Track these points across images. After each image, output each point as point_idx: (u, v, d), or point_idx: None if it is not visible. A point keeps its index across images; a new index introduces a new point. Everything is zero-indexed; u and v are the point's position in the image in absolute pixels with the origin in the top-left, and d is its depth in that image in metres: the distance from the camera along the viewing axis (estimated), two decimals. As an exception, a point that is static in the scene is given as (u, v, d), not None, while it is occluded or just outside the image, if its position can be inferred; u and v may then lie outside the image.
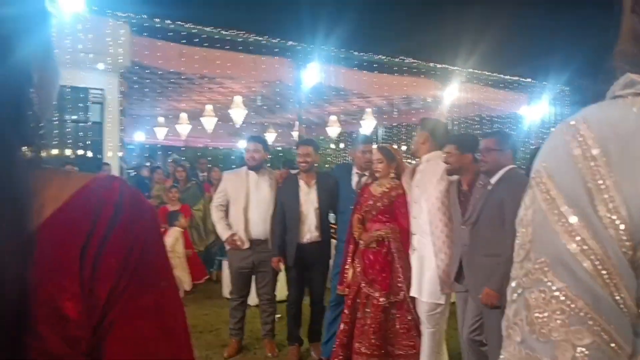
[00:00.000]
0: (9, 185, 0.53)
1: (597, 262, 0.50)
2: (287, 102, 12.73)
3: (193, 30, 9.02)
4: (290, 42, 9.93)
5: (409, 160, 4.08)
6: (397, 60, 11.00)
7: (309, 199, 4.26)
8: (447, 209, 3.41)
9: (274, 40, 9.80)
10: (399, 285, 3.69)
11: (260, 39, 9.69)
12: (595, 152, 0.52)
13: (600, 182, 0.51)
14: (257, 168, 4.41)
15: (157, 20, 8.73)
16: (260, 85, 10.99)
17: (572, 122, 0.55)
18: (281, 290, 4.65)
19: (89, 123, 8.80)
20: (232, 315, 4.45)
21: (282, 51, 9.86)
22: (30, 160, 0.58)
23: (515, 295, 0.56)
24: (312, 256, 4.26)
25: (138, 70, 9.68)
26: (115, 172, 7.44)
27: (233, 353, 4.34)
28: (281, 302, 4.75)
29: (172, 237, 6.01)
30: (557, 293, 0.51)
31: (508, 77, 12.34)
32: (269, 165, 4.79)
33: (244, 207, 4.32)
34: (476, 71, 11.81)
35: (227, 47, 9.31)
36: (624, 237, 0.50)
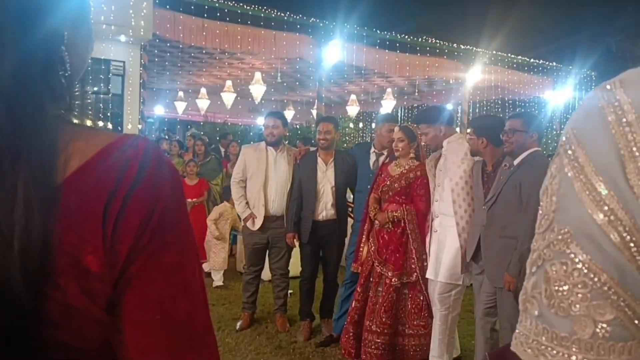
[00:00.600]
0: (37, 138, 0.54)
1: (625, 234, 0.47)
2: (307, 79, 12.68)
3: (215, 5, 8.97)
4: (312, 19, 9.84)
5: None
6: (419, 40, 10.84)
7: (326, 176, 4.25)
8: (470, 189, 3.38)
9: (295, 17, 9.72)
10: (412, 266, 3.68)
11: (282, 14, 9.61)
12: (631, 118, 0.48)
13: (635, 149, 0.48)
14: (275, 144, 4.40)
15: (179, -7, 8.69)
16: (281, 62, 10.94)
17: (608, 86, 0.52)
18: (294, 266, 4.68)
19: (110, 95, 8.87)
20: (245, 289, 4.49)
21: (303, 28, 9.77)
22: (59, 116, 0.59)
23: (535, 267, 0.53)
24: (327, 234, 4.26)
25: (159, 44, 9.70)
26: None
27: (245, 326, 4.39)
28: (294, 278, 4.78)
29: (217, 213, 6.01)
30: (580, 265, 0.49)
31: (533, 60, 12.09)
32: (286, 142, 4.78)
33: (262, 182, 4.33)
34: (500, 53, 11.60)
35: (249, 22, 9.26)
36: None
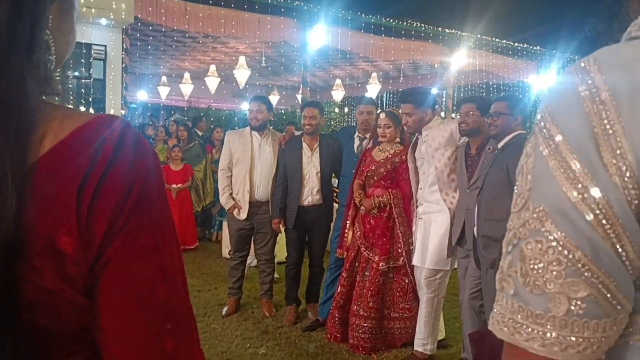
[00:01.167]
0: (17, 114, 0.53)
1: (598, 212, 0.48)
2: (292, 64, 12.60)
3: (197, -13, 8.83)
4: (296, 2, 9.73)
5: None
6: (404, 24, 10.80)
7: (311, 162, 4.24)
8: (455, 175, 3.40)
9: (279, 0, 9.60)
10: (399, 250, 3.70)
11: (266, -3, 9.49)
12: (604, 95, 0.48)
13: (608, 127, 0.48)
14: (260, 129, 4.37)
15: (161, -25, 8.53)
16: (265, 46, 10.84)
17: (582, 64, 0.52)
18: (280, 251, 4.68)
19: (91, 80, 8.72)
20: (231, 275, 4.49)
21: (287, 11, 9.67)
22: (39, 97, 0.58)
23: (511, 246, 0.54)
24: (312, 219, 4.26)
25: (141, 27, 9.56)
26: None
27: (231, 312, 4.40)
28: (280, 263, 4.78)
29: None
30: (554, 243, 0.49)
31: (517, 44, 12.13)
32: (271, 127, 4.75)
33: (248, 168, 4.31)
34: (485, 37, 11.61)
35: (232, 5, 9.14)
36: (630, 186, 0.48)
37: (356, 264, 3.83)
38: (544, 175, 0.51)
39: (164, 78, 14.44)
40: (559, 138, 0.50)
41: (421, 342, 3.54)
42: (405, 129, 3.63)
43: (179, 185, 6.35)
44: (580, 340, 0.48)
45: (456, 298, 4.41)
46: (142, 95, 15.19)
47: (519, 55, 12.35)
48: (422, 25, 11.09)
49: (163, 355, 0.60)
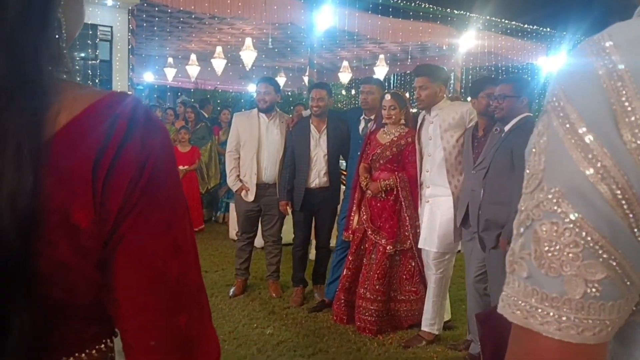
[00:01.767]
0: (32, 87, 0.54)
1: (617, 191, 0.46)
2: (299, 45, 12.49)
3: (204, -33, 8.73)
4: (303, -18, 9.60)
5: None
6: (413, 5, 10.66)
7: (319, 144, 4.23)
8: (461, 158, 3.39)
9: (286, -20, 9.48)
10: (406, 234, 3.71)
11: (273, -23, 9.37)
12: (622, 71, 0.47)
13: (627, 104, 0.46)
14: (268, 110, 4.36)
15: (167, -45, 8.44)
16: (272, 27, 10.74)
17: (596, 39, 0.50)
18: (287, 233, 4.69)
19: (98, 61, 8.69)
20: (238, 256, 4.52)
21: (294, -9, 9.54)
22: (51, 68, 0.59)
23: (523, 228, 0.52)
24: (319, 201, 4.27)
25: (147, 8, 9.48)
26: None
27: (238, 292, 4.43)
28: (287, 245, 4.80)
29: None
30: (571, 225, 0.48)
31: (526, 25, 11.96)
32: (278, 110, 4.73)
33: (255, 150, 4.30)
34: (493, 19, 11.45)
35: (239, -15, 9.03)
36: None
37: (362, 247, 3.84)
38: (559, 155, 0.49)
39: (170, 59, 14.38)
40: (574, 116, 0.48)
41: (429, 322, 3.56)
42: (417, 104, 3.60)
43: (186, 167, 6.36)
44: (597, 322, 0.48)
45: (462, 280, 4.43)
46: (148, 77, 15.15)
47: (528, 37, 12.18)
48: (430, 6, 10.94)
49: (176, 329, 0.61)
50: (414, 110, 4.08)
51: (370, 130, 3.96)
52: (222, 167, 6.40)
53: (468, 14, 11.15)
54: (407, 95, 4.00)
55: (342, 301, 3.89)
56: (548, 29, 12.16)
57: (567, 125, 0.49)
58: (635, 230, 0.47)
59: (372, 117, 4.10)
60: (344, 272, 3.90)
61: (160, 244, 0.59)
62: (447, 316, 3.83)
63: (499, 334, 2.08)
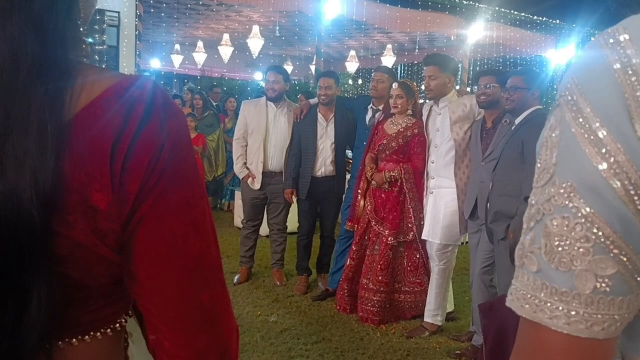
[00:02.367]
0: (57, 67, 0.55)
1: (630, 187, 0.46)
2: (306, 34, 12.43)
3: (212, -47, 8.68)
4: (311, -30, 9.53)
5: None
6: (421, -6, 10.57)
7: (326, 132, 4.23)
8: (468, 150, 3.39)
9: (294, -33, 9.42)
10: (409, 225, 3.71)
11: (281, -35, 9.30)
12: (636, 65, 0.46)
13: None
14: (276, 99, 4.35)
15: (175, -60, 8.40)
16: (279, 15, 10.69)
17: (611, 32, 0.49)
18: (292, 222, 4.71)
19: (105, 47, 8.67)
20: (244, 244, 4.53)
21: (302, -21, 9.48)
22: (74, 56, 0.60)
23: (533, 222, 0.52)
24: (325, 190, 4.27)
25: (154, -6, 9.45)
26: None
27: (243, 280, 4.46)
28: (291, 233, 4.82)
29: None
30: (582, 219, 0.47)
31: (535, 17, 11.85)
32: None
33: (262, 138, 4.31)
34: (502, 9, 11.35)
35: (247, -28, 8.98)
36: None
37: (366, 237, 3.85)
38: (572, 149, 0.49)
39: (177, 46, 14.33)
40: (588, 110, 0.48)
41: (431, 314, 3.58)
42: (427, 93, 3.59)
43: None
44: (607, 317, 0.48)
45: (466, 272, 4.44)
46: (155, 64, 15.12)
47: (537, 29, 12.07)
48: (440, -5, 10.85)
49: (200, 306, 0.62)
50: (421, 101, 4.06)
51: (378, 120, 3.95)
52: (229, 155, 6.40)
53: (477, 4, 11.05)
54: (416, 85, 3.97)
55: (346, 291, 3.90)
56: (557, 21, 12.05)
57: (580, 120, 0.48)
58: None
59: (380, 106, 4.09)
60: (348, 262, 3.92)
61: (181, 223, 0.60)
62: (450, 307, 3.84)
63: (501, 325, 2.08)
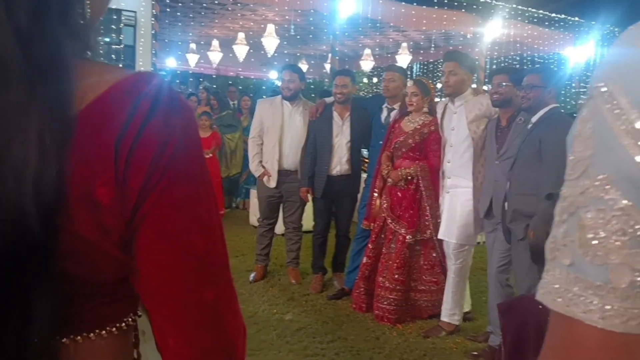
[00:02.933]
0: (54, 73, 0.55)
1: None
2: (321, 32, 12.44)
3: (227, -48, 8.71)
4: (326, -31, 9.52)
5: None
6: (437, -9, 10.51)
7: (341, 131, 4.22)
8: (484, 148, 3.37)
9: (309, -34, 9.42)
10: (426, 223, 3.70)
11: (296, -37, 9.31)
12: None
13: None
14: (292, 98, 4.35)
15: (191, -60, 8.45)
16: (294, 14, 10.70)
17: None
18: (307, 220, 4.71)
19: (122, 46, 8.76)
20: (259, 242, 4.54)
21: (318, -22, 9.48)
22: (74, 52, 0.59)
23: (566, 215, 0.51)
24: (340, 188, 4.27)
25: (171, -7, 9.52)
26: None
27: (258, 278, 4.47)
28: (307, 232, 4.82)
29: None
30: (619, 212, 0.46)
31: (554, 14, 11.72)
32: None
33: (278, 137, 4.31)
34: (520, 7, 11.25)
35: (262, -29, 9.00)
36: None
37: (382, 235, 3.84)
38: (608, 141, 0.47)
39: (192, 45, 14.43)
40: (624, 101, 0.46)
41: (448, 313, 3.56)
42: (445, 89, 3.56)
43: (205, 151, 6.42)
44: None
45: (483, 272, 4.40)
46: (171, 63, 15.23)
47: (556, 27, 11.93)
48: (456, -7, 10.78)
49: (204, 304, 0.61)
50: (437, 100, 4.04)
51: (394, 118, 3.94)
52: (245, 155, 6.43)
53: (494, 2, 10.96)
54: (439, 85, 3.97)
55: (362, 289, 3.89)
56: (576, 18, 11.90)
57: (617, 111, 0.47)
58: None
59: (395, 105, 4.07)
60: (364, 260, 3.91)
61: (185, 219, 0.59)
62: (467, 307, 3.81)
63: (520, 325, 2.06)
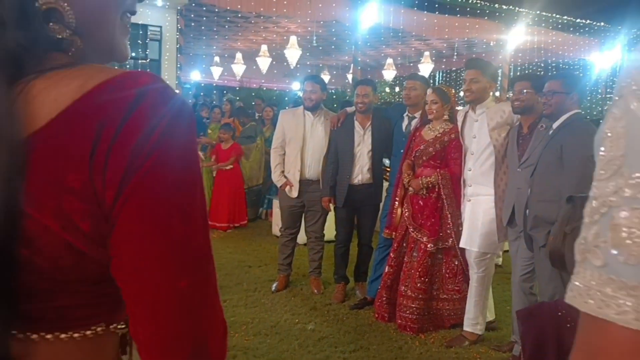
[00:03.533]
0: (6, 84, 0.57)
1: None
2: (343, 43, 12.51)
3: (250, -33, 8.84)
4: (347, -20, 9.59)
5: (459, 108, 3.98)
6: (459, 0, 10.48)
7: (363, 140, 4.23)
8: (506, 156, 3.34)
9: (331, -22, 9.50)
10: (448, 231, 3.67)
11: (317, -24, 9.40)
12: None
13: None
14: (314, 109, 4.39)
15: (215, -45, 8.61)
16: (316, 25, 10.78)
17: None
18: (329, 230, 4.72)
19: (147, 60, 8.95)
20: (282, 251, 4.56)
21: (339, -11, 9.55)
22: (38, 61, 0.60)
23: (597, 215, 0.50)
24: (362, 198, 4.27)
25: (195, 8, 9.70)
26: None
27: (281, 288, 4.48)
28: (329, 242, 4.82)
29: None
30: None
31: (579, 20, 11.56)
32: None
33: (300, 147, 4.35)
34: (544, 13, 11.13)
35: (284, -16, 9.11)
36: None
37: (404, 244, 3.82)
38: None
39: (216, 58, 14.65)
40: None
41: (471, 322, 3.51)
42: (466, 96, 3.54)
43: (221, 164, 6.54)
44: None
45: (507, 281, 4.34)
46: (195, 76, 15.48)
47: (581, 32, 11.77)
48: (478, 1, 10.73)
49: (175, 292, 0.60)
50: (458, 108, 4.02)
51: (415, 126, 3.93)
52: (267, 165, 6.47)
53: (517, 9, 10.87)
54: (453, 91, 3.94)
55: (384, 299, 3.87)
56: (602, 24, 11.72)
57: None
58: None
59: (416, 114, 4.07)
60: (386, 270, 3.89)
61: (165, 205, 0.59)
62: (491, 316, 3.76)
63: (540, 332, 2.03)
